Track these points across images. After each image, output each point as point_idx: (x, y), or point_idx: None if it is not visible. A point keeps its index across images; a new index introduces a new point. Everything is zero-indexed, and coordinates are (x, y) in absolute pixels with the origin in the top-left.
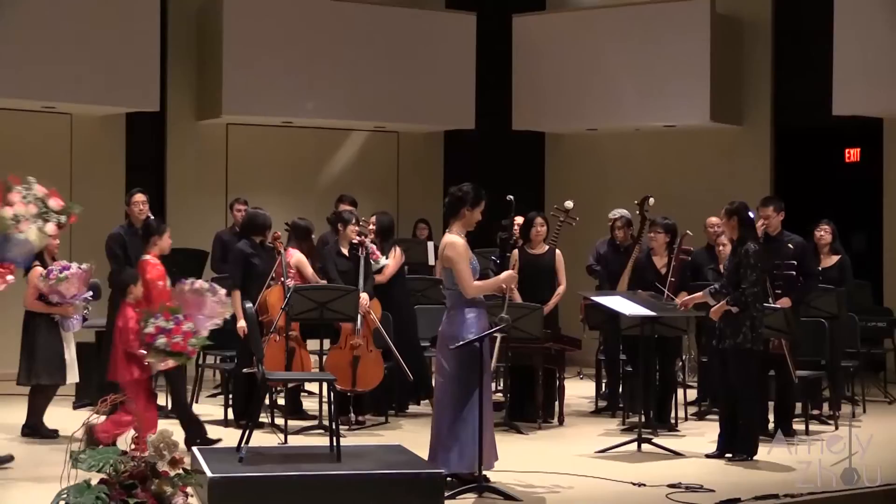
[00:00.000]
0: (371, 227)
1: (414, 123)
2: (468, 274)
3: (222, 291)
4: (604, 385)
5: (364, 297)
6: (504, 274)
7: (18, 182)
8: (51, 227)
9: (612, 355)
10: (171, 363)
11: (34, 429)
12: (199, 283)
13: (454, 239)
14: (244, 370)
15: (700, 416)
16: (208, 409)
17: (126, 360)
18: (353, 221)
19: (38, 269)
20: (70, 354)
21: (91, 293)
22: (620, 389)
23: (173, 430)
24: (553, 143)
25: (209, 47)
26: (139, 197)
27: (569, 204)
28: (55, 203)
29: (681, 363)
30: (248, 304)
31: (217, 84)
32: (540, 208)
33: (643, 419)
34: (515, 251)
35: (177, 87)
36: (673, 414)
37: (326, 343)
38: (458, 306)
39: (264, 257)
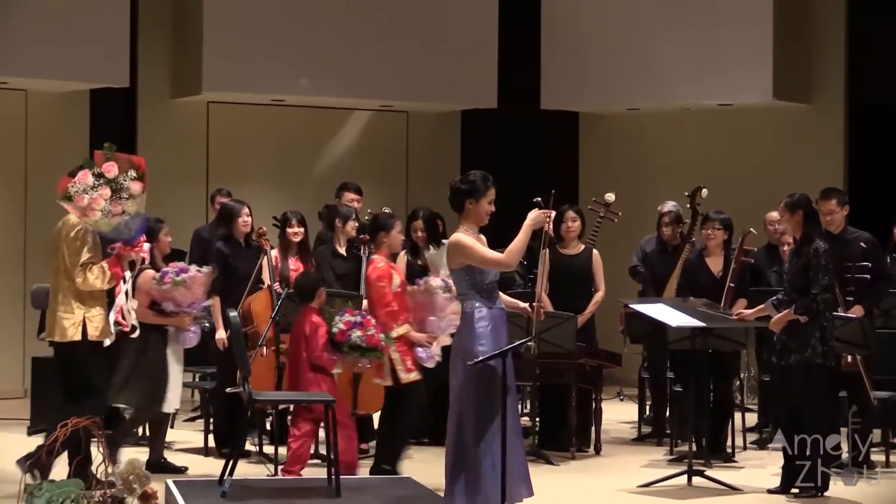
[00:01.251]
0: (419, 233)
1: (426, 102)
2: (489, 253)
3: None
4: (648, 408)
5: (366, 303)
6: (529, 216)
7: (67, 181)
8: (135, 187)
9: (658, 373)
10: (365, 364)
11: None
12: (431, 282)
13: (456, 237)
14: (227, 390)
15: (761, 444)
16: (186, 434)
17: (313, 373)
18: (353, 217)
19: (150, 273)
20: (175, 375)
21: (209, 301)
22: (667, 413)
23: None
24: (589, 124)
25: (188, 14)
26: None
27: (609, 197)
28: (109, 169)
29: (738, 382)
30: (232, 313)
31: (196, 56)
32: (574, 201)
33: (694, 448)
34: (545, 251)
35: (149, 60)
36: (729, 442)
37: None
38: (468, 314)
39: (247, 257)
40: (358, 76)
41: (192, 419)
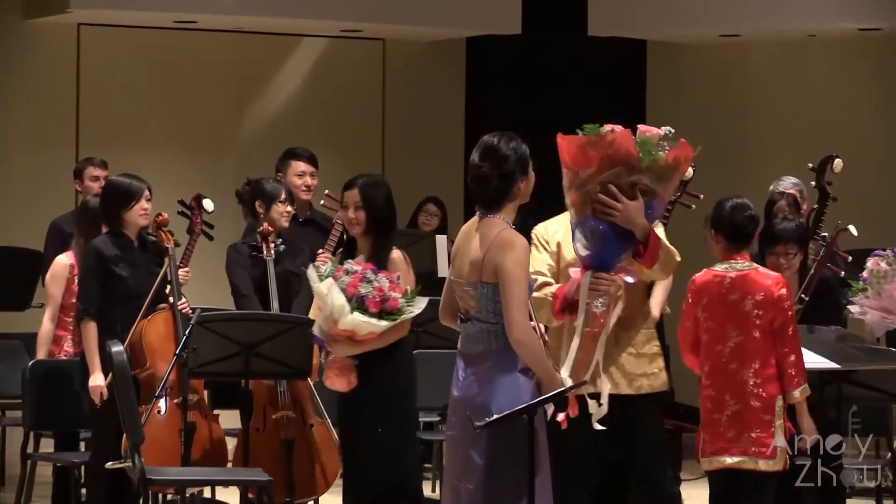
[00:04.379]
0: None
1: (412, 25)
2: (523, 303)
3: None
4: None
5: None
6: (550, 381)
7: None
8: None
9: None
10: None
11: None
12: None
13: (516, 238)
14: (107, 465)
15: None
16: None
17: None
18: (283, 198)
19: None
20: None
21: None
22: None
23: None
24: (662, 58)
25: None
26: None
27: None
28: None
29: (890, 454)
30: (116, 348)
31: None
32: None
33: None
34: None
35: None
36: None
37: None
38: (502, 356)
39: (140, 263)
40: None
41: None
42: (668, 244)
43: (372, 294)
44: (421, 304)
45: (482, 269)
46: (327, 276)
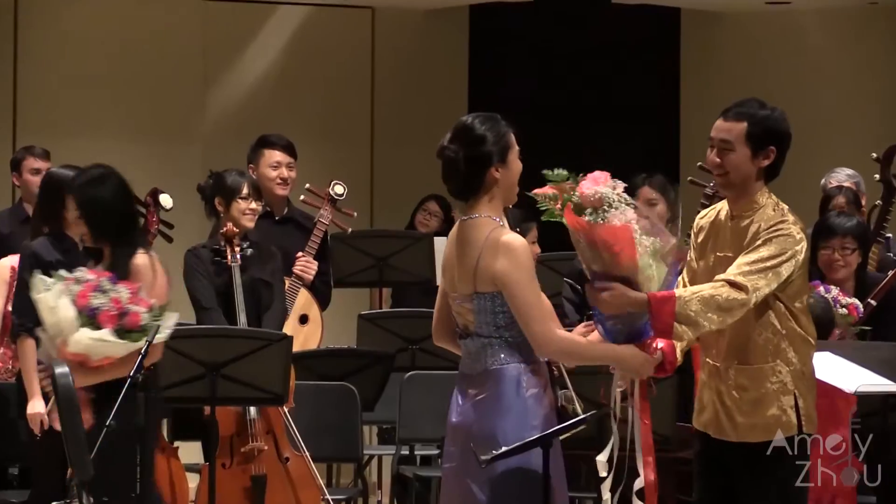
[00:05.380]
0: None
1: None
2: (542, 307)
3: None
4: None
5: None
6: (625, 353)
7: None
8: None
9: None
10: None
11: None
12: None
13: (511, 237)
14: None
15: None
16: None
17: None
18: (244, 193)
19: None
20: None
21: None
22: None
23: None
24: (697, 28)
25: None
26: None
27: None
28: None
29: None
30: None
31: None
32: (669, 162)
33: None
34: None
35: None
36: None
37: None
38: (506, 374)
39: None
40: None
41: None
42: (719, 292)
43: (107, 306)
44: (171, 321)
45: (475, 278)
46: (55, 286)
